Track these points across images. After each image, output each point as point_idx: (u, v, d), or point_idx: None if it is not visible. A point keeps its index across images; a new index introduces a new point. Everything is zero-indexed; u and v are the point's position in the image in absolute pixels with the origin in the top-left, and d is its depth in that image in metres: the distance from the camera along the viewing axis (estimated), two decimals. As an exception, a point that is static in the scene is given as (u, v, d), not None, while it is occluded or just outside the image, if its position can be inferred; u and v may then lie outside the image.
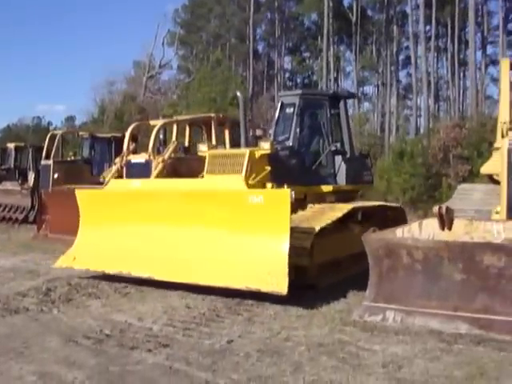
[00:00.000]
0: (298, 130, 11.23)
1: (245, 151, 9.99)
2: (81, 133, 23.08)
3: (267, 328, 6.66)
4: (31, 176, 21.86)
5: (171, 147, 14.62)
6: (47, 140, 19.73)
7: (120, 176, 15.04)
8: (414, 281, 6.74)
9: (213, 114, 16.33)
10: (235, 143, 16.32)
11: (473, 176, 21.60)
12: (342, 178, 11.50)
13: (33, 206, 18.34)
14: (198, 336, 6.41)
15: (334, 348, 5.90)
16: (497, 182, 8.80)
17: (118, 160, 15.11)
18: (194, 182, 10.33)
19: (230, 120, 16.73)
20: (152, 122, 16.00)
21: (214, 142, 15.62)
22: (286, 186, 8.76)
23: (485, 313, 6.29)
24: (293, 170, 10.71)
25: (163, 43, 51.85)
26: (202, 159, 15.71)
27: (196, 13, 59.84)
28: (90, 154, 21.16)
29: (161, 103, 43.64)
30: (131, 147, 15.20)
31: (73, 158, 21.67)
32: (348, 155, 11.73)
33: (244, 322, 6.97)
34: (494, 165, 8.94)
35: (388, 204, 11.85)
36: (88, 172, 19.98)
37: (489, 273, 6.32)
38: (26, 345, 6.21)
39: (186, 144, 16.79)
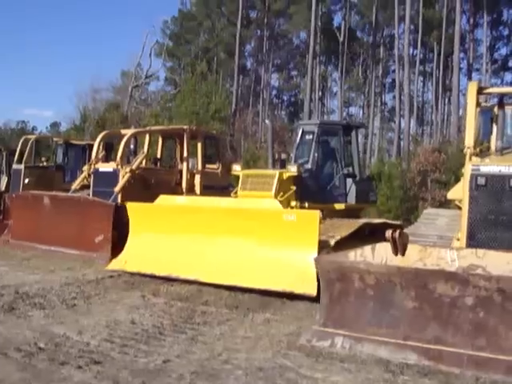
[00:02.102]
0: (316, 154, 12.80)
1: (274, 173, 11.76)
2: (55, 139, 22.76)
3: (209, 349, 6.36)
4: (3, 180, 21.45)
5: (140, 157, 14.35)
6: (20, 144, 19.45)
7: (87, 184, 14.76)
8: (365, 306, 6.47)
9: (185, 126, 16.07)
10: (207, 157, 16.21)
11: (450, 201, 21.47)
12: (352, 198, 13.04)
13: (1, 211, 17.96)
14: (135, 354, 6.10)
15: (273, 374, 5.61)
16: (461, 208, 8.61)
17: (86, 168, 14.83)
18: (235, 200, 11.87)
19: (202, 133, 16.54)
20: (123, 131, 15.73)
21: (185, 154, 15.40)
22: (306, 204, 11.65)
23: (435, 343, 6.03)
24: (311, 190, 12.28)
25: (150, 54, 51.64)
26: (173, 172, 15.66)
27: (185, 25, 59.79)
28: (63, 161, 20.85)
29: (145, 114, 43.38)
30: (101, 155, 14.91)
31: (45, 163, 21.29)
32: (357, 178, 13.33)
33: (186, 341, 6.67)
34: (459, 190, 8.75)
35: (390, 222, 12.66)
36: (60, 178, 19.69)
37: (441, 302, 6.08)
38: (-49, 356, 5.90)
39: (158, 155, 16.56)
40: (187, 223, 10.32)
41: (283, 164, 12.50)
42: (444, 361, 5.90)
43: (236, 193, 12.23)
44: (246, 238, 9.62)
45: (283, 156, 13.09)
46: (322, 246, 9.20)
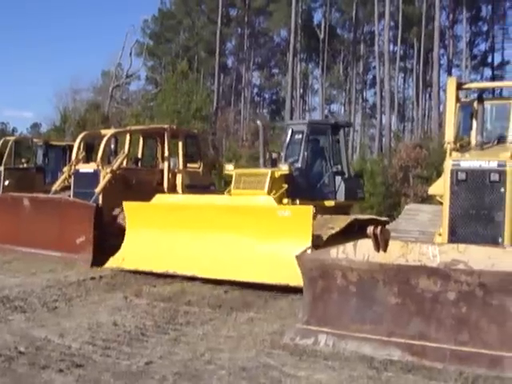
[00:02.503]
0: (305, 153, 13.06)
1: (267, 171, 12.15)
2: (35, 140, 22.56)
3: (192, 349, 6.30)
4: (-17, 182, 21.20)
5: (120, 157, 14.25)
6: (-1, 146, 19.28)
7: (68, 186, 14.61)
8: (348, 303, 6.46)
9: (166, 126, 15.99)
10: (189, 156, 16.14)
11: (432, 197, 21.53)
12: (341, 195, 13.37)
13: (-20, 213, 17.74)
14: (117, 356, 6.03)
15: (256, 373, 5.57)
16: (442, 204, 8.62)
17: (66, 169, 14.69)
18: (231, 198, 12.19)
19: (183, 132, 16.47)
20: (103, 131, 15.60)
21: (166, 153, 15.32)
22: (298, 202, 11.92)
23: (418, 339, 6.03)
24: (302, 188, 12.58)
25: (131, 53, 51.30)
26: (155, 172, 15.55)
27: (165, 24, 59.56)
28: (43, 162, 20.66)
29: (126, 113, 43.11)
30: (81, 156, 14.79)
31: (25, 165, 21.08)
32: (346, 175, 13.67)
33: (169, 341, 6.62)
34: (440, 186, 8.77)
35: (378, 218, 13.04)
36: (41, 180, 19.50)
37: (424, 297, 6.08)
38: None
39: (139, 155, 16.45)
40: (184, 221, 10.67)
41: (274, 163, 12.94)
42: (427, 356, 5.90)
43: (229, 191, 12.61)
44: (241, 233, 10.01)
45: (274, 155, 13.52)
46: (318, 238, 9.74)
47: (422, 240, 8.09)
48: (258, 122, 15.25)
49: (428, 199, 21.46)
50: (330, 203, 13.03)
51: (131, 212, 11.64)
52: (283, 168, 12.22)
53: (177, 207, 11.38)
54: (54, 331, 6.96)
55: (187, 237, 10.59)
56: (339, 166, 13.64)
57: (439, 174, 22.82)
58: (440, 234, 7.95)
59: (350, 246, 6.51)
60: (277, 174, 12.07)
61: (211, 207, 10.97)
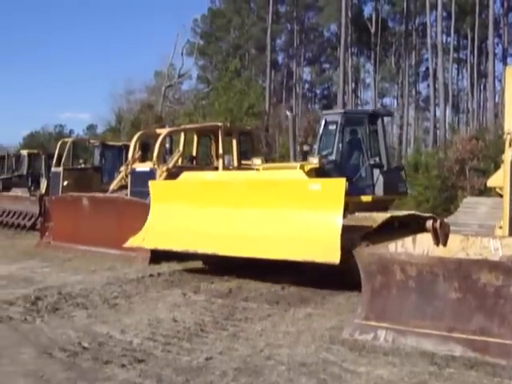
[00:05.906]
0: (340, 145, 12.14)
1: (296, 165, 11.24)
2: (92, 141, 23.03)
3: (251, 345, 6.34)
4: (43, 183, 21.80)
5: (176, 156, 14.42)
6: (58, 147, 19.71)
7: (125, 185, 14.87)
8: (408, 299, 6.39)
9: (220, 123, 16.11)
10: (243, 153, 16.21)
11: (489, 189, 21.08)
12: (379, 189, 12.30)
13: (41, 213, 18.22)
14: (177, 351, 6.11)
15: (316, 368, 5.56)
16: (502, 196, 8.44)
17: (123, 168, 14.95)
18: (260, 173, 11.52)
19: (237, 130, 16.56)
20: (158, 131, 15.81)
21: (220, 151, 15.43)
22: None
23: (481, 335, 5.91)
24: None
25: (182, 53, 51.90)
26: (209, 169, 15.64)
27: (215, 23, 59.95)
28: (100, 162, 21.09)
29: (178, 113, 43.60)
30: (137, 155, 15.02)
31: (83, 165, 21.56)
32: (385, 168, 12.59)
33: (228, 337, 6.66)
34: (499, 178, 8.57)
35: (421, 214, 11.94)
36: (98, 180, 19.85)
37: (486, 292, 5.97)
38: (-3, 356, 5.98)
39: (194, 153, 16.61)
40: (211, 198, 10.46)
41: (306, 156, 12.04)
42: (490, 352, 5.78)
43: None
44: (269, 209, 9.67)
45: (305, 148, 12.72)
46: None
47: (482, 233, 7.93)
48: (288, 113, 14.63)
49: (485, 192, 21.09)
50: (367, 198, 12.00)
51: (156, 191, 11.52)
52: (313, 161, 11.31)
53: (203, 184, 11.17)
54: (115, 327, 7.10)
55: (210, 214, 10.28)
56: (377, 158, 12.54)
57: (497, 166, 22.36)
58: (501, 227, 7.75)
59: (409, 240, 6.43)
60: (306, 168, 11.05)
61: (239, 183, 10.70)
